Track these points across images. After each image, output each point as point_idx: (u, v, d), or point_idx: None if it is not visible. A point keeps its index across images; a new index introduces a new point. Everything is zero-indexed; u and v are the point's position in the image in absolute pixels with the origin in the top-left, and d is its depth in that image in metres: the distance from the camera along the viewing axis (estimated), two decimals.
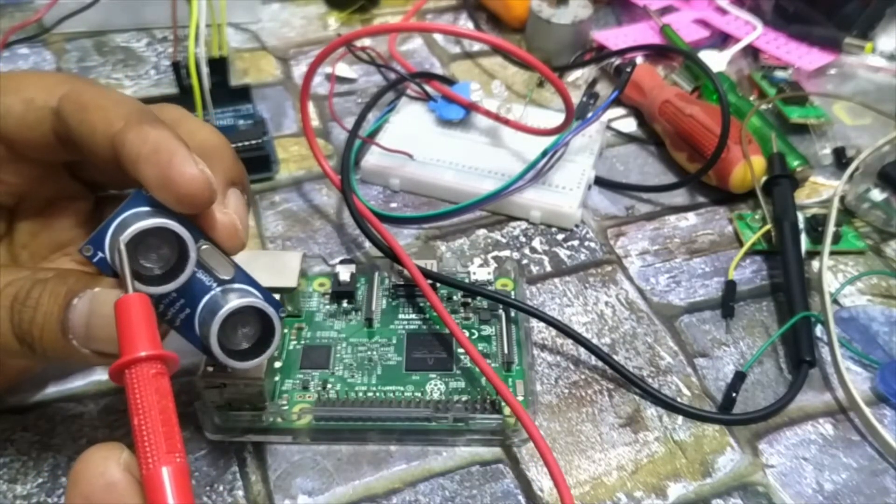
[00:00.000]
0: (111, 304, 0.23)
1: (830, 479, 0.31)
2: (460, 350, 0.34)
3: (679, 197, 0.44)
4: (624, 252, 0.41)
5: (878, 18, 0.51)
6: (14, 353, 0.25)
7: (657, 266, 0.40)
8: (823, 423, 0.33)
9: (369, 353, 0.34)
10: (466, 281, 0.36)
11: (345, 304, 0.36)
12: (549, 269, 0.40)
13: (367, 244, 0.39)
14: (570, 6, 0.53)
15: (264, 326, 0.27)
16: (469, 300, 0.36)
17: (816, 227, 0.41)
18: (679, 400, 0.34)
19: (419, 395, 0.32)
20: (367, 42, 0.52)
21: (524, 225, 0.42)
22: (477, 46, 0.55)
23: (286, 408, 0.32)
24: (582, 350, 0.36)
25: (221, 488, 0.30)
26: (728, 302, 0.38)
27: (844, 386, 0.34)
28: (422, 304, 0.36)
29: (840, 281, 0.39)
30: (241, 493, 0.30)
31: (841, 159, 0.46)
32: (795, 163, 0.44)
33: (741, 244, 0.41)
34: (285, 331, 0.34)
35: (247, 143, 0.43)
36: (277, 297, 0.33)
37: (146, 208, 0.24)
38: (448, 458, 0.32)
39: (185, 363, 0.34)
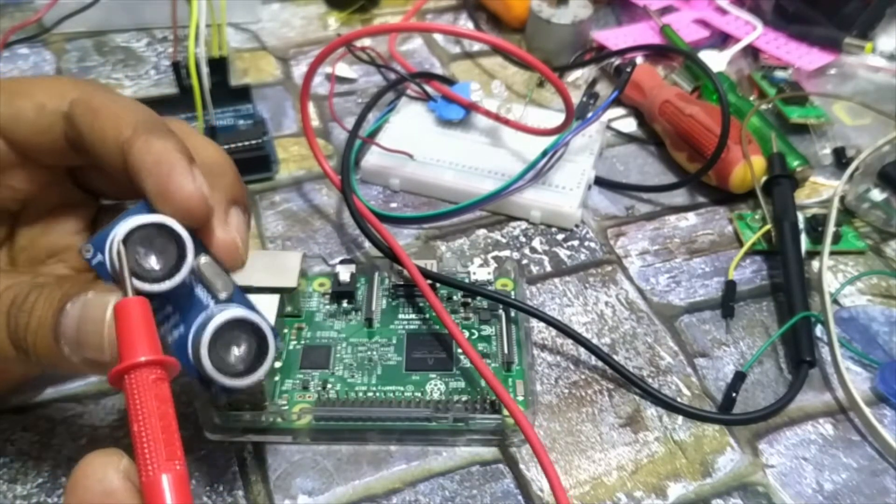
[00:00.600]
0: (104, 309, 0.23)
1: (830, 479, 0.31)
2: (460, 350, 0.34)
3: (679, 197, 0.44)
4: (624, 252, 0.41)
5: (878, 18, 0.51)
6: (10, 359, 0.24)
7: (657, 266, 0.40)
8: (823, 423, 0.33)
9: (369, 353, 0.34)
10: (466, 281, 0.36)
11: (345, 304, 0.36)
12: (549, 269, 0.40)
13: (367, 244, 0.39)
14: (570, 6, 0.53)
15: (259, 345, 0.25)
16: (469, 300, 0.36)
17: (816, 227, 0.41)
18: (679, 400, 0.34)
19: (419, 395, 0.32)
20: (367, 42, 0.52)
21: (524, 225, 0.42)
22: (477, 46, 0.55)
23: (286, 408, 0.32)
24: (582, 350, 0.36)
25: (221, 488, 0.30)
26: (728, 302, 0.38)
27: (844, 386, 0.34)
28: (422, 305, 0.36)
29: (840, 281, 0.39)
30: (240, 492, 0.30)
31: (841, 159, 0.46)
32: (795, 163, 0.44)
33: (741, 244, 0.41)
34: (285, 330, 0.34)
35: (247, 143, 0.43)
36: (277, 296, 0.33)
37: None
38: (448, 458, 0.32)
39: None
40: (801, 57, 0.51)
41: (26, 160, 0.28)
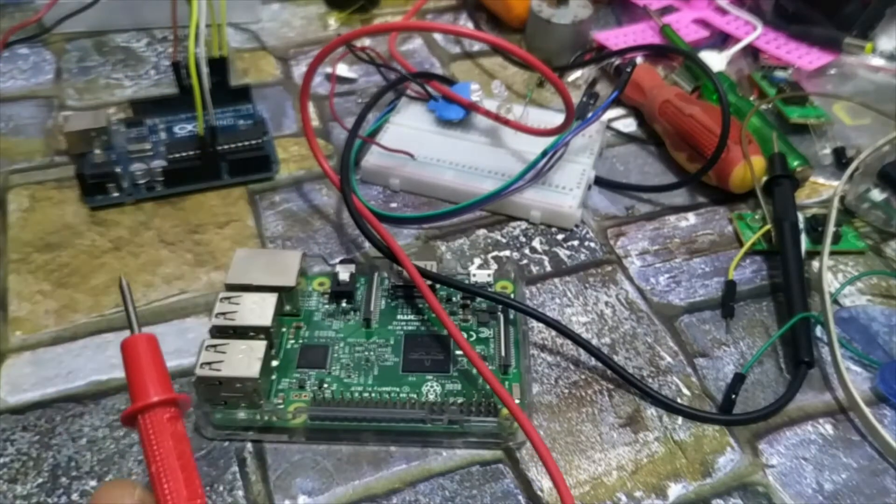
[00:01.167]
0: None
1: (830, 479, 0.31)
2: (458, 352, 0.34)
3: (679, 197, 0.44)
4: (624, 252, 0.41)
5: (878, 18, 0.51)
6: None
7: (657, 266, 0.40)
8: (823, 424, 0.33)
9: (366, 353, 0.34)
10: (466, 282, 0.36)
11: (344, 304, 0.36)
12: (549, 269, 0.40)
13: (367, 244, 0.39)
14: (571, 6, 0.53)
15: None
16: (468, 301, 0.36)
17: (816, 227, 0.41)
18: (679, 400, 0.34)
19: (415, 396, 0.32)
20: (367, 42, 0.52)
21: (524, 225, 0.42)
22: (477, 46, 0.55)
23: (282, 407, 0.32)
24: (582, 350, 0.35)
25: (221, 488, 0.30)
26: (728, 302, 0.38)
27: (844, 386, 0.34)
28: (420, 306, 0.36)
29: (840, 281, 0.39)
30: (241, 493, 0.30)
31: (841, 159, 0.46)
32: (795, 163, 0.44)
33: (741, 244, 0.41)
34: (283, 329, 0.34)
35: (247, 143, 0.43)
36: (276, 295, 0.33)
37: None
38: (448, 458, 0.32)
39: (182, 364, 0.34)
40: (801, 57, 0.51)
41: None
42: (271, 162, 0.44)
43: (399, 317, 0.35)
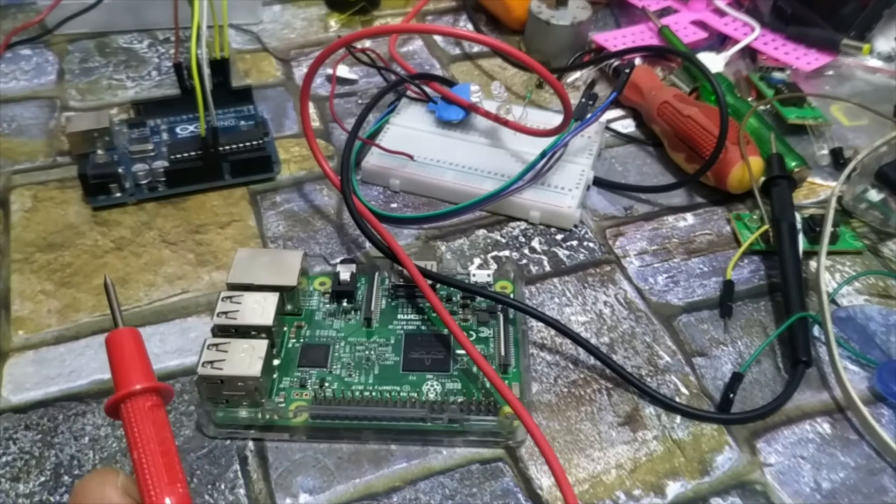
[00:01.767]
0: None
1: (828, 477, 0.32)
2: (458, 351, 0.34)
3: (677, 197, 0.44)
4: (622, 252, 0.41)
5: (876, 20, 0.51)
6: None
7: (655, 266, 0.40)
8: (821, 423, 0.34)
9: (367, 352, 0.34)
10: (466, 282, 0.36)
11: (345, 303, 0.36)
12: (548, 269, 0.40)
13: (368, 244, 0.40)
14: (570, 7, 0.53)
15: None
16: (468, 301, 0.36)
17: (814, 227, 0.41)
18: (677, 399, 0.34)
19: (415, 395, 0.33)
20: (367, 43, 0.52)
21: (523, 225, 0.42)
22: (476, 48, 0.55)
23: (283, 405, 0.32)
24: (581, 349, 0.36)
25: (223, 486, 0.31)
26: (726, 301, 0.38)
27: (842, 385, 0.34)
28: (421, 305, 0.36)
29: (838, 281, 0.40)
30: (242, 491, 0.30)
31: (838, 160, 0.46)
32: (793, 163, 0.44)
33: (739, 244, 0.41)
34: (284, 328, 0.35)
35: (248, 143, 0.43)
36: (277, 294, 0.33)
37: None
38: (448, 456, 0.32)
39: (184, 363, 0.34)
40: (798, 58, 0.51)
41: None
42: (272, 162, 0.44)
43: (399, 316, 0.36)
